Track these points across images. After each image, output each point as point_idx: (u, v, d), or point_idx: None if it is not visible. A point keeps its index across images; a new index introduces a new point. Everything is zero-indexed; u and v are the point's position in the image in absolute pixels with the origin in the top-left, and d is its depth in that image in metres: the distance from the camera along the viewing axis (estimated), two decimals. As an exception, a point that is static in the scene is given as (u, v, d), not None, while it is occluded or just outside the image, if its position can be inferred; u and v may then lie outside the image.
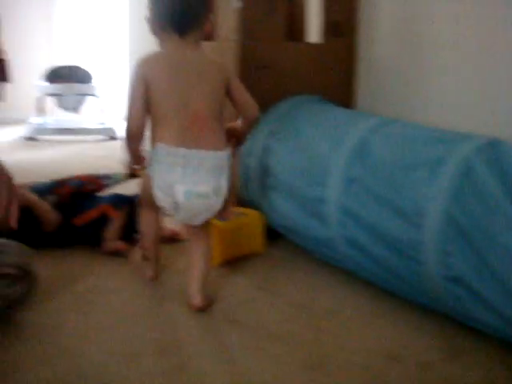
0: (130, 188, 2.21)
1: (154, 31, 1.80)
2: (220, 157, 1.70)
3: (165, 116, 1.71)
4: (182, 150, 1.67)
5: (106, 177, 2.35)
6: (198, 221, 1.75)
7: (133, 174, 2.29)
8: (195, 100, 1.72)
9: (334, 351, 1.51)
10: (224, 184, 1.71)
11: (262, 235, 2.19)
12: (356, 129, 1.91)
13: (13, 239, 1.58)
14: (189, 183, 1.67)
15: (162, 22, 1.76)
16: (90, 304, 1.75)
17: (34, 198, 2.15)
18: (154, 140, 1.73)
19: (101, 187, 2.33)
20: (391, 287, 1.78)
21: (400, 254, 1.63)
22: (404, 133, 1.84)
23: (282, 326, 1.64)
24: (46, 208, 2.15)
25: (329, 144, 1.94)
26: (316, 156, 1.96)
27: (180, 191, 1.68)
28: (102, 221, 2.18)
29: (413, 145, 1.73)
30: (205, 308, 1.72)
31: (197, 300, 1.72)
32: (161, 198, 1.72)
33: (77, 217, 2.20)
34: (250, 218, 2.18)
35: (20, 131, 5.01)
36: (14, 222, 1.30)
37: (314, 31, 2.50)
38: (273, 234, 2.25)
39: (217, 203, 1.72)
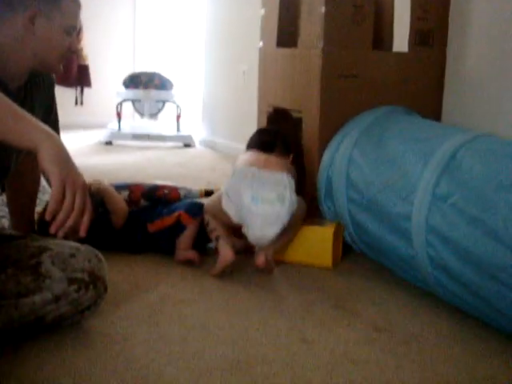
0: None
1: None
2: (282, 176, 1.98)
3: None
4: (253, 168, 2.01)
5: (183, 188, 2.33)
6: (269, 235, 1.93)
7: (208, 192, 2.27)
8: (266, 156, 2.14)
9: (412, 378, 1.41)
10: (288, 195, 1.93)
11: (332, 249, 2.11)
12: (446, 143, 1.80)
13: (84, 240, 1.54)
14: (255, 190, 1.92)
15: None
16: (161, 314, 1.70)
17: (109, 187, 2.20)
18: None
19: (175, 195, 2.29)
20: (479, 313, 1.67)
21: (491, 279, 1.52)
22: (498, 149, 1.73)
23: (359, 349, 1.55)
24: (118, 199, 2.19)
25: (416, 158, 1.83)
26: (402, 170, 1.86)
27: (248, 196, 1.91)
28: (177, 228, 2.13)
29: (508, 162, 1.62)
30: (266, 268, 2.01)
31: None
32: (227, 204, 1.95)
33: (152, 223, 2.16)
34: (324, 229, 2.13)
35: (98, 136, 5.06)
36: (83, 232, 1.27)
37: (402, 40, 2.40)
38: (347, 248, 2.20)
39: (283, 212, 1.92)
